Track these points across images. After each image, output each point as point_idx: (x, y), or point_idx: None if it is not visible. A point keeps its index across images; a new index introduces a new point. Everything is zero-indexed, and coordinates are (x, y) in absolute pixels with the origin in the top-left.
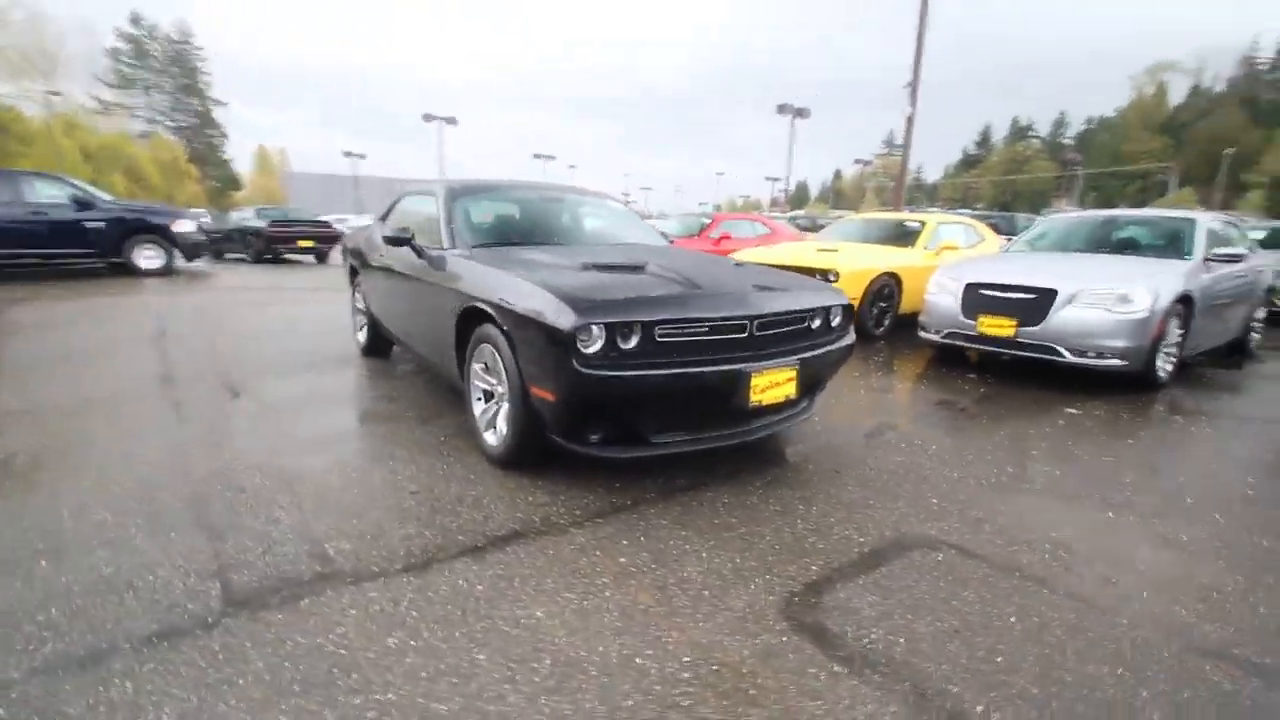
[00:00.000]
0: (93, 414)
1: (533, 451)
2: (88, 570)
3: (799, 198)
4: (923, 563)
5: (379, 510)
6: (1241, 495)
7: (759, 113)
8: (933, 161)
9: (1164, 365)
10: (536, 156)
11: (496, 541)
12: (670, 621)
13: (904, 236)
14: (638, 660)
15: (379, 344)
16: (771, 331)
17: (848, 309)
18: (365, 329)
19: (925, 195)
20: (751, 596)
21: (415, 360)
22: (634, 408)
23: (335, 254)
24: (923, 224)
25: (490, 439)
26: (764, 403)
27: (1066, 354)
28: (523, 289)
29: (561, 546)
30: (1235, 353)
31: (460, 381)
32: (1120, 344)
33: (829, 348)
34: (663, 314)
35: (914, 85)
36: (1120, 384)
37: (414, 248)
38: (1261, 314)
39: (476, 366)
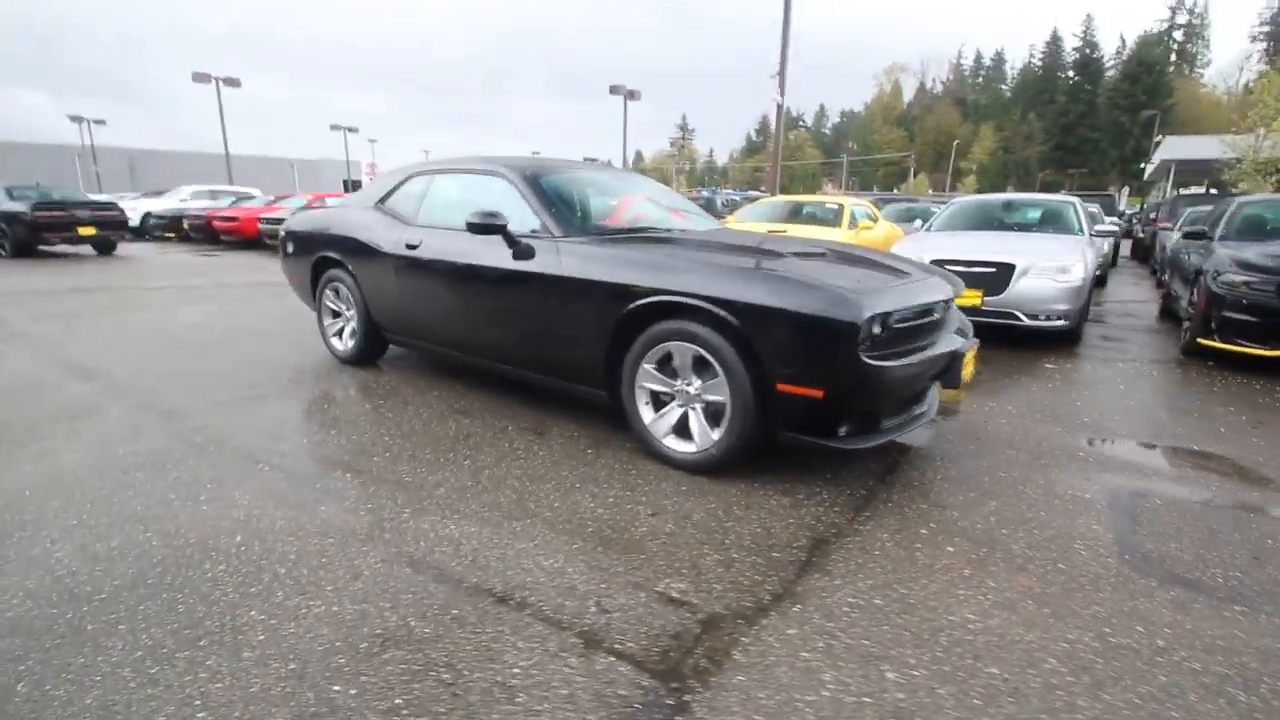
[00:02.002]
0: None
1: (750, 454)
2: (413, 685)
3: None
4: (1155, 508)
5: (647, 541)
6: (1244, 422)
7: (546, 96)
8: (720, 146)
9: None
10: (334, 128)
11: (814, 552)
12: (1076, 597)
13: (826, 217)
14: (1110, 640)
15: (374, 351)
16: (948, 313)
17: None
18: (354, 335)
19: (720, 177)
20: (1096, 562)
21: (431, 364)
22: (889, 395)
23: (126, 246)
24: (841, 205)
25: (681, 445)
26: (967, 379)
27: (1024, 318)
28: (779, 284)
29: (879, 544)
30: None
31: (596, 387)
32: (1064, 307)
33: (970, 326)
34: (907, 301)
35: (781, 74)
36: (1051, 340)
37: (507, 236)
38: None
39: (647, 367)
